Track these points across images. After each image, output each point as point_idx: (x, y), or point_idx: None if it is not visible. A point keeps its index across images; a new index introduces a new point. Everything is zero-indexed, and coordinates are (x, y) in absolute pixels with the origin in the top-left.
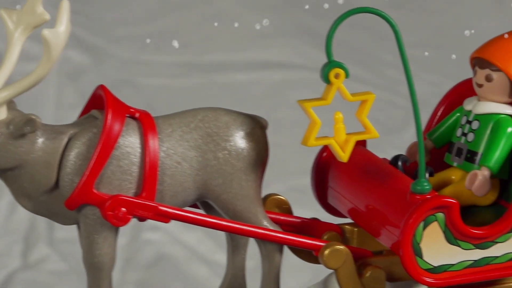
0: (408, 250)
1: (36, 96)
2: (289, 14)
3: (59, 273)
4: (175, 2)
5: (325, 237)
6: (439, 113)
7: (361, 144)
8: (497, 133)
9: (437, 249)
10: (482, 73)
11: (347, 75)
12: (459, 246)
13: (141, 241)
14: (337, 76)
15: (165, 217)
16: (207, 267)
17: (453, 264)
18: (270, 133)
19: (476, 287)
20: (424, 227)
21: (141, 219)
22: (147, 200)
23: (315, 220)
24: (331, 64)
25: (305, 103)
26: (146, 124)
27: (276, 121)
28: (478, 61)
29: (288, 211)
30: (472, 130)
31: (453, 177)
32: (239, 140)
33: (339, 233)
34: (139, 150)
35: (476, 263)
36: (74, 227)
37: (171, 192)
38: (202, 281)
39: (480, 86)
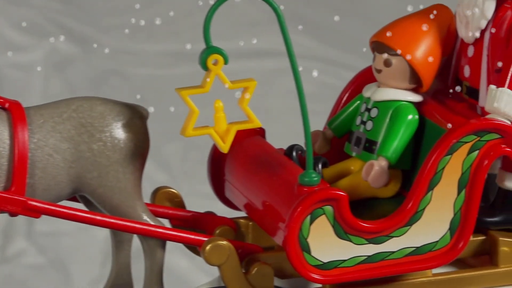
0: (294, 245)
1: (22, 87)
2: (281, 2)
3: (37, 267)
4: None
5: (217, 231)
6: (343, 101)
7: (259, 134)
8: (396, 121)
9: (326, 244)
10: (380, 58)
11: (226, 61)
12: (350, 241)
13: None
14: (215, 62)
15: (36, 212)
16: (188, 260)
17: (344, 260)
18: (262, 123)
19: (376, 283)
20: (311, 221)
21: (12, 214)
22: (15, 195)
23: (209, 214)
24: (209, 49)
25: (182, 91)
26: (15, 114)
27: (267, 110)
28: (377, 45)
29: (180, 204)
30: (370, 118)
31: (352, 168)
32: (115, 131)
33: (233, 227)
34: (7, 142)
35: (370, 258)
36: (54, 220)
37: (43, 185)
38: (184, 274)
39: (379, 71)
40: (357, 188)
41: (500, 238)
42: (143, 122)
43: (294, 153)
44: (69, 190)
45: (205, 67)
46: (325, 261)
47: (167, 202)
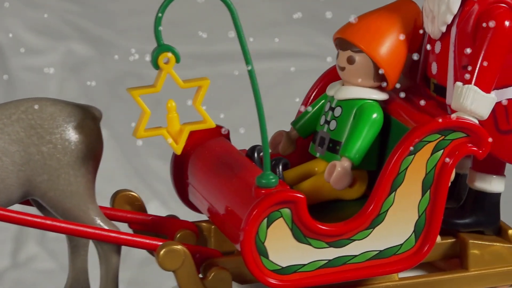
0: (250, 249)
1: (38, 90)
2: (298, 2)
3: (48, 271)
4: None
5: (178, 236)
6: (310, 100)
7: (224, 135)
8: (360, 120)
9: (284, 248)
10: (343, 55)
11: (177, 60)
12: (309, 244)
13: None
14: (166, 61)
15: None
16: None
17: (304, 264)
18: (278, 124)
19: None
20: (268, 225)
21: None
22: None
23: (170, 218)
24: (160, 48)
25: (133, 91)
26: None
27: (284, 111)
28: (340, 42)
29: (140, 208)
30: (334, 118)
31: (316, 169)
32: (66, 133)
33: (194, 231)
34: None
35: (331, 263)
36: None
37: None
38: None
39: (342, 69)
40: (321, 190)
41: (470, 241)
42: (95, 123)
43: (255, 154)
44: (20, 193)
45: (156, 66)
46: (284, 265)
47: (127, 205)
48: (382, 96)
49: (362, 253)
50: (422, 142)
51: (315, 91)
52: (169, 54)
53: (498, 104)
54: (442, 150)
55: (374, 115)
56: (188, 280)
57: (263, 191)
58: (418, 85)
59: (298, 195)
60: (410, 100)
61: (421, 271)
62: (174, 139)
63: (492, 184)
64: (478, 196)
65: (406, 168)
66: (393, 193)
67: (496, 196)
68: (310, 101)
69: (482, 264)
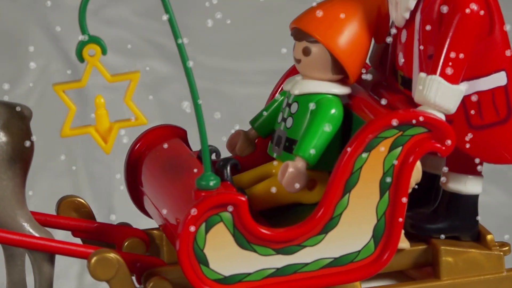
0: (187, 257)
1: (116, 109)
2: None
3: None
4: (262, 8)
5: (126, 244)
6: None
7: (180, 136)
8: (316, 116)
9: (227, 255)
10: (299, 46)
11: (104, 51)
12: (255, 251)
13: None
14: (92, 53)
15: None
16: None
17: (250, 273)
18: None
19: None
20: (207, 230)
21: None
22: None
23: (119, 225)
24: (85, 40)
25: (56, 86)
26: None
27: None
28: (295, 32)
29: (87, 215)
30: (291, 115)
31: (273, 171)
32: None
33: (144, 240)
34: None
35: (280, 271)
36: None
37: None
38: None
39: (298, 61)
40: (277, 193)
41: (442, 247)
42: (24, 123)
43: (230, 163)
44: None
45: (81, 58)
46: (227, 274)
47: (73, 212)
48: (343, 90)
49: (315, 261)
50: (378, 139)
51: (280, 89)
52: (95, 46)
53: (469, 97)
54: (400, 147)
55: (332, 111)
56: None
57: (203, 194)
58: (387, 78)
59: (239, 197)
60: (378, 95)
61: (390, 280)
62: (103, 138)
63: (467, 185)
64: (452, 199)
65: (361, 167)
66: (347, 194)
67: (472, 198)
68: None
69: (456, 272)
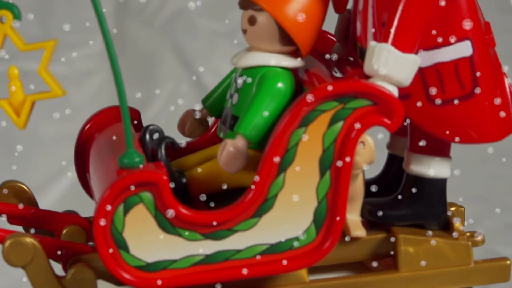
0: (104, 241)
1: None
2: None
3: None
4: None
5: (64, 232)
6: None
7: (134, 117)
8: (260, 90)
9: (149, 240)
10: (245, 15)
11: (16, 17)
12: (180, 235)
13: None
14: (3, 19)
15: None
16: None
17: (175, 260)
18: None
19: None
20: (125, 211)
21: None
22: None
23: (62, 213)
24: None
25: None
26: None
27: None
28: (241, 0)
29: (29, 201)
30: (237, 90)
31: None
32: None
33: (85, 227)
34: None
35: (210, 258)
36: None
37: None
38: None
39: (244, 31)
40: (219, 175)
41: (401, 235)
42: None
43: (147, 136)
44: None
45: None
46: (150, 261)
47: (13, 198)
48: (293, 63)
49: (248, 247)
50: (315, 112)
51: None
52: (5, 12)
53: (429, 69)
54: (342, 122)
55: (279, 85)
56: (40, 278)
57: (124, 172)
58: (350, 51)
59: (160, 175)
60: (341, 71)
61: (346, 272)
62: (16, 112)
63: (431, 168)
64: (416, 183)
65: (297, 144)
66: (282, 174)
67: (439, 183)
68: None
69: (417, 264)
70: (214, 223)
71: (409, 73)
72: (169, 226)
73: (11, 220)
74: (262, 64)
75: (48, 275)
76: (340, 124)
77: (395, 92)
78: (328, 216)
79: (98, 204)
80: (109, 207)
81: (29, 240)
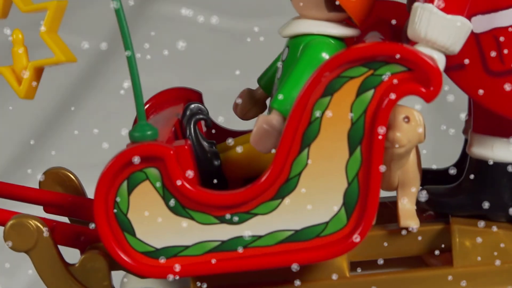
0: (107, 222)
1: None
2: None
3: None
4: None
5: None
6: None
7: (195, 98)
8: (300, 60)
9: (157, 223)
10: None
11: None
12: (192, 218)
13: None
14: None
15: None
16: None
17: (187, 246)
18: None
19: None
20: (130, 190)
21: None
22: None
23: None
24: None
25: None
26: None
27: None
28: None
29: (74, 189)
30: (282, 62)
31: None
32: None
33: None
34: None
35: (226, 245)
36: None
37: None
38: None
39: None
40: (258, 158)
41: (456, 226)
42: None
43: (187, 112)
44: None
45: None
46: (159, 246)
47: (57, 185)
48: (343, 31)
49: (270, 233)
50: (341, 79)
51: None
52: None
53: (486, 35)
54: (372, 90)
55: (323, 54)
56: (46, 265)
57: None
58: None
59: (168, 149)
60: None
61: (397, 268)
62: (18, 80)
63: (494, 150)
64: (478, 168)
65: (322, 115)
66: (306, 149)
67: (504, 168)
68: None
69: (474, 258)
70: (234, 205)
71: (456, 37)
72: (179, 206)
73: (46, 208)
74: (306, 32)
75: (54, 262)
76: (370, 93)
77: (441, 60)
78: (360, 198)
79: (99, 180)
80: (110, 184)
81: (33, 222)
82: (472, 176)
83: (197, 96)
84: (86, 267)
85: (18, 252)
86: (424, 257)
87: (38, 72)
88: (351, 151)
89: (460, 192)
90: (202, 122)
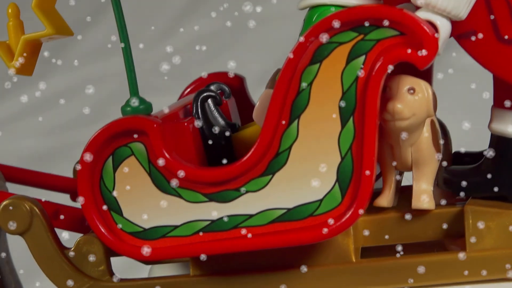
0: (92, 201)
1: None
2: None
3: None
4: None
5: None
6: None
7: (237, 82)
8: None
9: (144, 201)
10: None
11: None
12: (180, 196)
13: None
14: None
15: None
16: None
17: (176, 226)
18: None
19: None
20: (115, 166)
21: None
22: None
23: None
24: None
25: None
26: None
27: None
28: None
29: None
30: (299, 37)
31: None
32: None
33: None
34: None
35: (216, 225)
36: None
37: None
38: None
39: None
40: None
41: (470, 207)
42: None
43: (201, 96)
44: None
45: None
46: (147, 227)
47: None
48: (356, 1)
49: (261, 212)
50: (329, 45)
51: None
52: None
53: (499, 1)
54: (363, 56)
55: None
56: (40, 248)
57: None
58: None
59: (151, 122)
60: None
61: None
62: (12, 55)
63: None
64: (498, 144)
65: (310, 84)
66: (295, 121)
67: None
68: None
69: (488, 242)
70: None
71: (458, 1)
72: (165, 184)
73: (73, 197)
74: (319, 2)
75: (50, 245)
76: (361, 59)
77: (445, 25)
78: (354, 173)
79: (81, 156)
80: (88, 156)
81: (27, 204)
82: (491, 154)
83: (240, 81)
84: (81, 251)
85: (13, 234)
86: (444, 243)
87: (34, 47)
88: (343, 123)
89: (479, 172)
90: (212, 101)
